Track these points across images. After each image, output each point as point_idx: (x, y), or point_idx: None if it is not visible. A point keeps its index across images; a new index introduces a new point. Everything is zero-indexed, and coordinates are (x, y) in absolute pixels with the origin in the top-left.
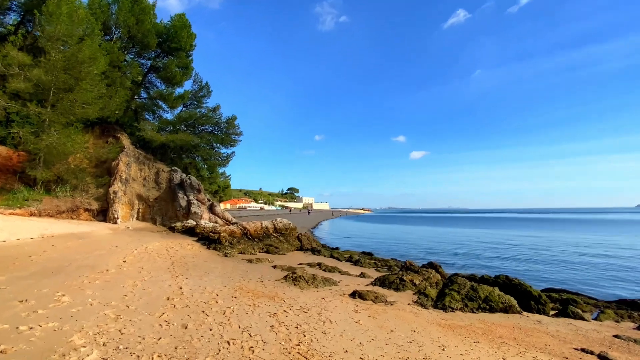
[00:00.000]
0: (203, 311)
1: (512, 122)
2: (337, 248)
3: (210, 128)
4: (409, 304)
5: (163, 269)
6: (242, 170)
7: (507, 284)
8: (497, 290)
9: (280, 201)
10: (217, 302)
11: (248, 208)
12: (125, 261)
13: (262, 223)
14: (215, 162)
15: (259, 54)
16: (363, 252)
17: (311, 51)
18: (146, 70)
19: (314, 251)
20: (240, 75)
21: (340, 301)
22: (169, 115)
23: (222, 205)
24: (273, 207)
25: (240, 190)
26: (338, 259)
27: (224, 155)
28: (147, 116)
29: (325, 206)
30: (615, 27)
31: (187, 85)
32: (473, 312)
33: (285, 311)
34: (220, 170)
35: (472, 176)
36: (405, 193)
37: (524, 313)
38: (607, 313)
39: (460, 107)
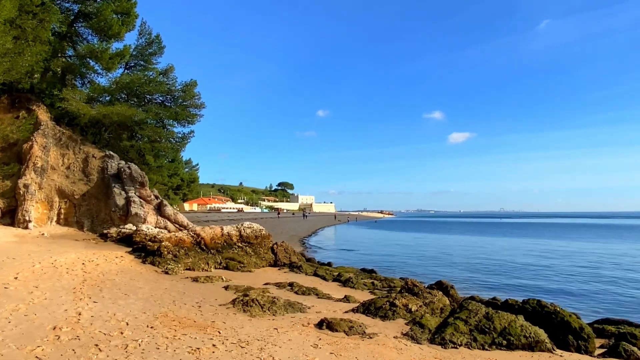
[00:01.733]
0: (97, 345)
1: (594, 90)
2: (329, 263)
3: (161, 98)
4: (395, 337)
5: (66, 289)
6: (217, 160)
7: (538, 312)
8: (520, 319)
9: (268, 200)
10: (122, 334)
11: (223, 210)
12: (17, 278)
13: (222, 229)
14: (167, 144)
15: (243, 9)
16: (363, 269)
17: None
18: (73, 17)
19: (292, 267)
20: (217, 36)
21: (299, 333)
22: (104, 81)
23: (187, 206)
24: (257, 209)
25: (213, 186)
26: (323, 277)
27: (179, 135)
28: (76, 82)
29: (330, 208)
30: None
31: (131, 39)
32: (484, 348)
33: (214, 346)
34: (185, 158)
35: (537, 167)
36: (442, 191)
37: (557, 351)
38: None
39: (520, 72)
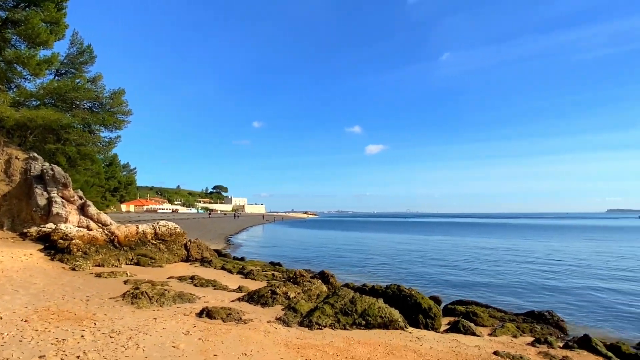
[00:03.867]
0: None
1: (484, 113)
2: (242, 258)
3: (89, 104)
4: (268, 322)
5: None
6: (157, 164)
7: (397, 295)
8: (380, 302)
9: (204, 202)
10: None
11: (159, 211)
12: None
13: (138, 227)
14: (94, 148)
15: (181, 23)
16: (271, 263)
17: (250, 21)
18: (0, 23)
19: (203, 262)
20: (154, 51)
21: (177, 322)
22: (32, 86)
23: (124, 207)
24: (193, 210)
25: (152, 189)
26: (229, 270)
27: (106, 140)
28: (2, 86)
29: (260, 209)
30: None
31: (62, 47)
32: (345, 328)
33: (82, 337)
34: (123, 162)
35: (437, 176)
36: (359, 194)
37: (409, 329)
38: (507, 327)
39: (424, 95)
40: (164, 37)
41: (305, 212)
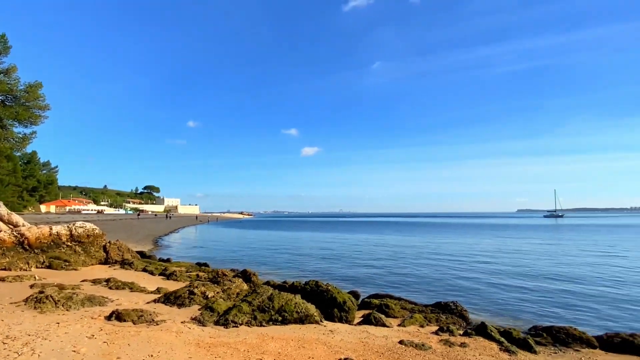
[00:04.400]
0: None
1: (412, 120)
2: (168, 259)
3: (1, 97)
4: (182, 322)
5: None
6: (81, 163)
7: (314, 290)
8: (297, 298)
9: (134, 203)
10: None
11: (84, 212)
12: None
13: (51, 229)
14: (5, 144)
15: (113, 18)
16: (198, 264)
17: (186, 19)
18: None
19: (123, 264)
20: (81, 47)
21: (82, 326)
22: None
23: (44, 207)
24: (122, 211)
25: (75, 188)
26: (151, 272)
27: (20, 135)
28: None
29: (194, 209)
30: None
31: None
32: (262, 325)
33: None
34: (43, 160)
35: (369, 177)
36: (295, 195)
37: (324, 322)
38: (416, 317)
39: (357, 100)
40: (95, 33)
41: (241, 213)
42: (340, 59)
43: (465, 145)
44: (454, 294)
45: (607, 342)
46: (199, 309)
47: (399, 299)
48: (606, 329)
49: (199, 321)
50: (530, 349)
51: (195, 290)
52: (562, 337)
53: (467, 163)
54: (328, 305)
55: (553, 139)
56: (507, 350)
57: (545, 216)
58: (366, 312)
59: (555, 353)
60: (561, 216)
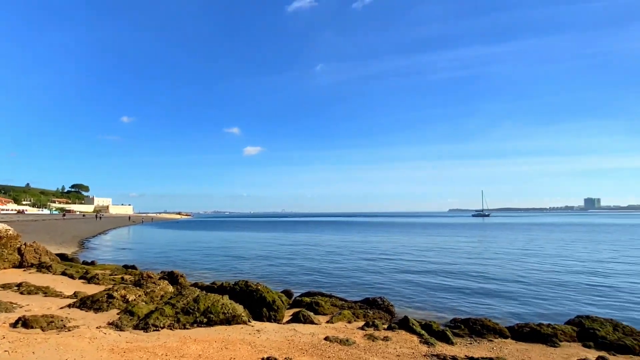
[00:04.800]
0: None
1: (353, 122)
2: (92, 262)
3: None
4: (98, 328)
5: None
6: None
7: (244, 290)
8: (224, 299)
9: (60, 202)
10: None
11: (2, 212)
12: None
13: None
14: None
15: (36, 5)
16: (125, 266)
17: (121, 5)
18: None
19: (40, 267)
20: (16, 32)
21: None
22: None
23: None
24: (46, 211)
25: None
26: (71, 276)
27: None
28: None
29: (128, 210)
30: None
31: None
32: (185, 328)
33: None
34: None
35: (311, 178)
36: (237, 195)
37: (252, 322)
38: (344, 314)
39: (300, 101)
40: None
41: (179, 213)
42: (283, 59)
43: (402, 148)
44: (383, 289)
45: (518, 332)
46: (117, 314)
47: (330, 296)
48: (520, 319)
49: (116, 326)
50: (448, 341)
51: (115, 294)
52: (477, 329)
53: (404, 164)
54: (257, 305)
55: (482, 144)
56: (426, 342)
57: (473, 215)
58: (297, 310)
59: (471, 344)
60: (488, 215)
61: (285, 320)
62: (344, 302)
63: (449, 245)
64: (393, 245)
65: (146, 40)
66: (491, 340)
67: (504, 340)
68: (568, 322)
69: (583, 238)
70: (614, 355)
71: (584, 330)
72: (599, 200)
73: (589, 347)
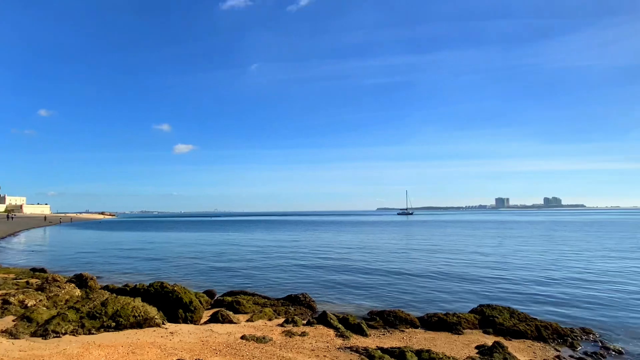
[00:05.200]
0: None
1: (287, 122)
2: None
3: None
4: None
5: None
6: None
7: (159, 292)
8: (136, 301)
9: None
10: None
11: None
12: None
13: None
14: None
15: None
16: (33, 269)
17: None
18: None
19: None
20: None
21: None
22: None
23: None
24: None
25: None
26: None
27: None
28: None
29: (44, 209)
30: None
31: None
32: (91, 333)
33: None
34: None
35: (246, 176)
36: (167, 194)
37: (166, 325)
38: (265, 312)
39: (235, 100)
40: None
41: (102, 213)
42: (218, 57)
43: (335, 149)
44: (307, 286)
45: (427, 322)
46: (13, 320)
47: (253, 294)
48: (435, 308)
49: (10, 334)
50: (362, 333)
51: (12, 299)
52: (391, 320)
53: (336, 165)
54: (173, 306)
55: (407, 147)
56: (342, 335)
57: (398, 214)
58: (216, 310)
59: (384, 334)
60: (411, 214)
61: (203, 321)
62: (266, 300)
63: (373, 242)
64: (320, 243)
65: (70, 30)
66: (403, 331)
67: (414, 330)
68: (472, 311)
69: (490, 234)
70: (509, 340)
71: (485, 318)
72: (508, 199)
73: (488, 333)
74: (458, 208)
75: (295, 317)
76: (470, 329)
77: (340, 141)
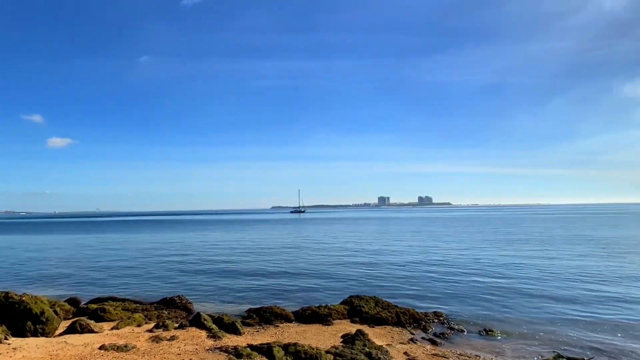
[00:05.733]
0: None
1: (178, 119)
2: None
3: None
4: None
5: None
6: None
7: (3, 303)
8: None
9: None
10: None
11: None
12: None
13: None
14: None
15: None
16: None
17: None
18: None
19: None
20: None
21: None
22: None
23: None
24: None
25: None
26: None
27: None
28: None
29: None
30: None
31: None
32: None
33: None
34: None
35: (134, 175)
36: (39, 192)
37: (10, 339)
38: (134, 317)
39: (122, 93)
40: None
41: None
42: (103, 45)
43: (230, 147)
44: (186, 287)
45: (302, 315)
46: None
47: (124, 300)
48: (318, 301)
49: None
50: (236, 331)
51: None
52: (267, 316)
53: (231, 164)
54: (20, 318)
55: (301, 148)
56: (214, 336)
57: (291, 212)
58: (75, 320)
59: (258, 331)
60: (303, 211)
61: (58, 332)
62: (138, 305)
63: (261, 240)
64: (207, 243)
65: None
66: (277, 326)
67: (289, 324)
68: (343, 302)
69: (371, 230)
70: (372, 327)
71: (353, 308)
72: (388, 198)
73: (355, 322)
74: (346, 206)
75: (166, 321)
76: (340, 319)
77: (236, 140)
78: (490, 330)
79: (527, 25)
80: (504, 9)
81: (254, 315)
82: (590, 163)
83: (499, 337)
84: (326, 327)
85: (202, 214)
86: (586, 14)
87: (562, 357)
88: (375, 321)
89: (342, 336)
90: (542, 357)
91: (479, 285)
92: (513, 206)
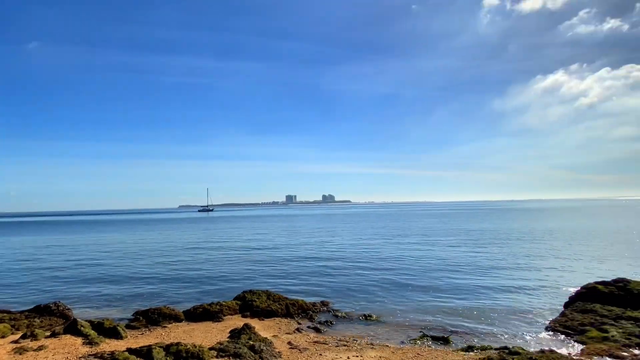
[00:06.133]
0: None
1: (72, 111)
2: None
3: None
4: None
5: None
6: None
7: None
8: None
9: None
10: None
11: None
12: None
13: None
14: None
15: None
16: None
17: None
18: None
19: None
20: None
21: None
22: None
23: None
24: None
25: None
26: None
27: None
28: None
29: None
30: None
31: None
32: None
33: None
34: None
35: (19, 170)
36: None
37: None
38: None
39: (3, 79)
40: None
41: None
42: None
43: (132, 144)
44: (66, 293)
45: (193, 314)
46: None
47: None
48: (216, 297)
49: None
50: (117, 336)
51: None
52: (154, 317)
53: (137, 162)
54: None
55: (209, 147)
56: (90, 342)
57: (199, 210)
58: None
59: (142, 334)
60: (212, 210)
61: None
62: (5, 315)
63: (161, 241)
64: (106, 243)
65: None
66: (165, 327)
67: (178, 324)
68: (236, 298)
69: (275, 226)
70: (262, 320)
71: (245, 303)
72: (295, 196)
73: (246, 316)
74: (255, 204)
75: (36, 330)
76: (232, 314)
77: (140, 137)
78: (369, 316)
79: (418, 43)
80: (399, 27)
81: (141, 318)
82: (466, 166)
83: (376, 323)
84: (216, 323)
85: (103, 214)
86: (466, 36)
87: (427, 335)
88: (266, 314)
89: (230, 331)
90: (410, 337)
91: (364, 277)
92: (403, 203)
